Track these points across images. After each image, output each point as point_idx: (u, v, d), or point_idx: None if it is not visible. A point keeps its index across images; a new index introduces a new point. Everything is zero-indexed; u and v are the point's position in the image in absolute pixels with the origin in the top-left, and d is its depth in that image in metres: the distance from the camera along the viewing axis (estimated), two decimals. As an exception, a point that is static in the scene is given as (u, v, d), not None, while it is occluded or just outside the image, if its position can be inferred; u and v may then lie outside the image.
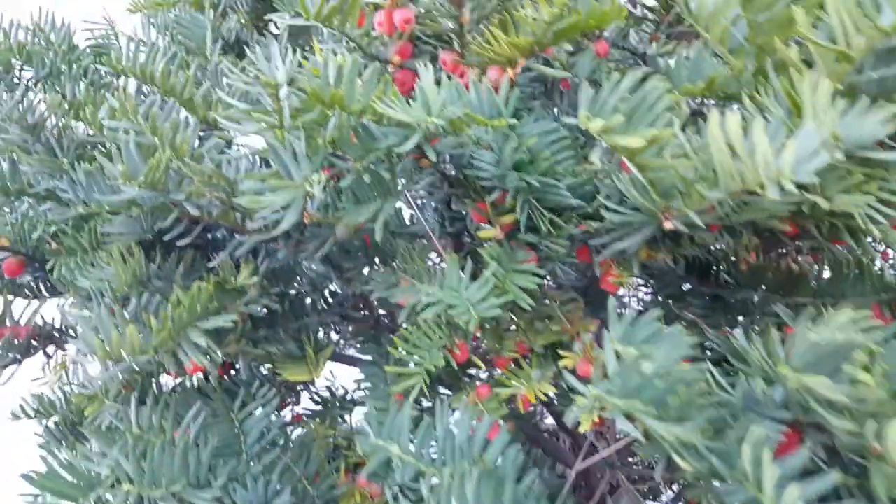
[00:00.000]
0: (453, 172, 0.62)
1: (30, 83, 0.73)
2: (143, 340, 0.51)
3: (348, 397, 0.88)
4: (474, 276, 0.57)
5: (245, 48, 0.94)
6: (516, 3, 0.54)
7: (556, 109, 0.75)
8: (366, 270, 0.67)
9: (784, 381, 0.39)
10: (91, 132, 0.61)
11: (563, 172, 0.57)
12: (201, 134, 0.63)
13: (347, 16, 0.52)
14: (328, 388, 0.88)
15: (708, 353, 0.62)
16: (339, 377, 1.12)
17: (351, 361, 0.89)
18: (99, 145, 0.64)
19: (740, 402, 0.43)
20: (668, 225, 0.45)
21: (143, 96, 0.77)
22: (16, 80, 0.73)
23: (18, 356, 0.69)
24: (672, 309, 0.71)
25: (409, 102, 0.51)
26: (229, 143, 0.72)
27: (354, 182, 0.51)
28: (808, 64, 0.42)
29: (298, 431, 0.84)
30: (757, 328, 0.60)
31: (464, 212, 0.69)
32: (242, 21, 1.03)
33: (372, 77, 0.47)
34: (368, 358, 0.74)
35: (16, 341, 0.68)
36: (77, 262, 0.59)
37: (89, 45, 0.83)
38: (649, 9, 0.72)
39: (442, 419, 0.48)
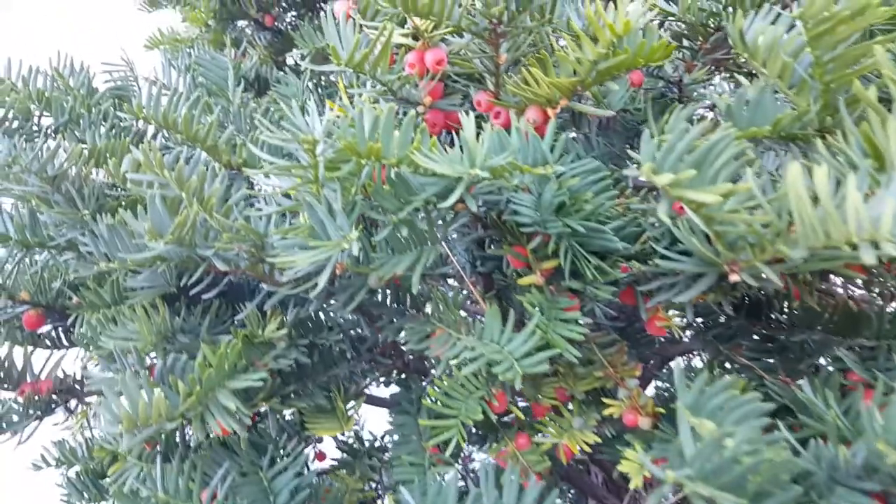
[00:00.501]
0: (486, 213, 0.59)
1: (49, 130, 0.71)
2: (169, 406, 0.48)
3: (377, 443, 0.84)
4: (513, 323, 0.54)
5: (266, 85, 0.92)
6: (554, 41, 0.51)
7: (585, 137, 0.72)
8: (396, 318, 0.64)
9: (879, 455, 0.35)
10: (112, 180, 0.59)
11: (607, 214, 0.54)
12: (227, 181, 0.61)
13: (379, 61, 0.50)
14: (356, 434, 0.85)
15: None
16: (366, 416, 1.08)
17: (379, 402, 0.86)
18: (121, 195, 0.62)
19: (823, 472, 0.39)
20: (734, 277, 0.42)
21: (163, 138, 0.75)
22: (35, 128, 0.71)
23: (39, 412, 0.66)
24: (721, 350, 0.67)
25: (445, 148, 0.48)
26: (252, 185, 0.70)
27: (390, 234, 0.48)
28: (886, 102, 0.39)
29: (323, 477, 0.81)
30: (820, 375, 0.57)
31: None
32: (261, 56, 1.01)
33: (408, 126, 0.44)
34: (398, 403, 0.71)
35: (36, 397, 0.66)
36: (99, 318, 0.57)
37: (109, 87, 0.82)
38: (686, 36, 0.70)
39: (488, 492, 0.45)
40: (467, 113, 0.60)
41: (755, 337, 0.66)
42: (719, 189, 0.34)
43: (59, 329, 0.75)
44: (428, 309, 0.66)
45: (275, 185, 0.48)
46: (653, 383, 1.03)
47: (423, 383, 0.74)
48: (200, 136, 0.62)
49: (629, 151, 0.52)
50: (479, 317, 0.70)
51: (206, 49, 0.87)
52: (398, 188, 0.47)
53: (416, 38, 0.55)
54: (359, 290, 0.56)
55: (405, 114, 0.63)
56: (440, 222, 0.50)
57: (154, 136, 0.75)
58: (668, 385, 0.97)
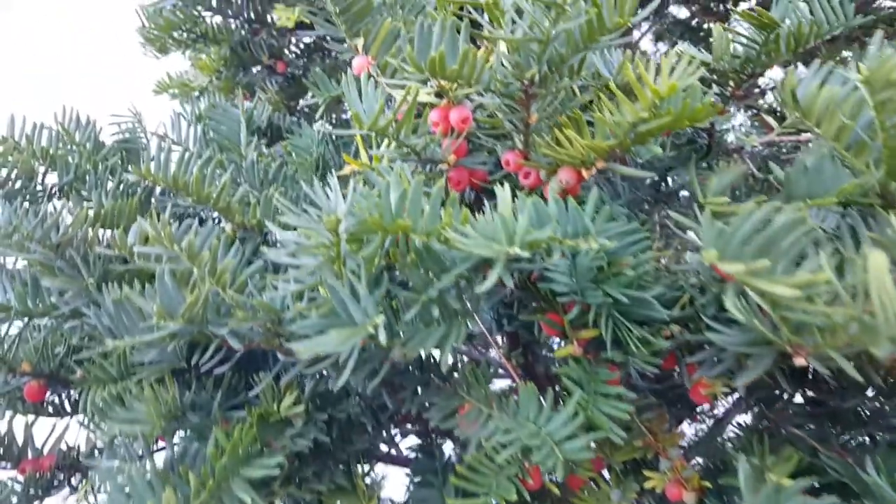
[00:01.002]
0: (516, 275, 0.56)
1: (54, 189, 0.69)
2: (180, 502, 0.44)
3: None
4: (549, 397, 0.50)
5: (279, 133, 0.90)
6: (590, 100, 0.48)
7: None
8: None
9: None
10: (118, 251, 0.55)
11: (649, 279, 0.51)
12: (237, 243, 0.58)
13: (403, 125, 0.47)
14: None
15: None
16: (382, 472, 1.03)
17: (398, 461, 0.81)
18: (129, 263, 0.58)
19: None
20: (799, 361, 0.38)
21: (171, 195, 0.72)
22: (39, 188, 0.68)
23: (41, 492, 0.62)
24: (766, 415, 0.63)
25: (473, 210, 0.45)
26: (266, 240, 0.67)
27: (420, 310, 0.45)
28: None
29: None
30: (879, 449, 0.52)
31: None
32: (273, 102, 0.99)
33: (437, 198, 0.41)
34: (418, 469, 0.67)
35: (38, 475, 0.62)
36: (104, 396, 0.53)
37: (116, 139, 0.79)
38: (716, 82, 0.67)
39: None
40: (493, 175, 0.57)
41: (806, 404, 0.61)
42: (796, 281, 0.30)
43: (63, 395, 0.72)
44: (454, 373, 0.63)
45: (294, 242, 0.45)
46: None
47: (448, 451, 0.70)
48: (212, 197, 0.60)
49: (674, 214, 0.49)
50: (509, 384, 0.67)
51: (218, 97, 0.84)
52: (426, 262, 0.44)
53: (440, 95, 0.52)
54: (381, 364, 0.52)
55: (430, 170, 0.60)
56: (472, 300, 0.46)
57: (163, 192, 0.73)
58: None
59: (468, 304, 0.46)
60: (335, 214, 0.37)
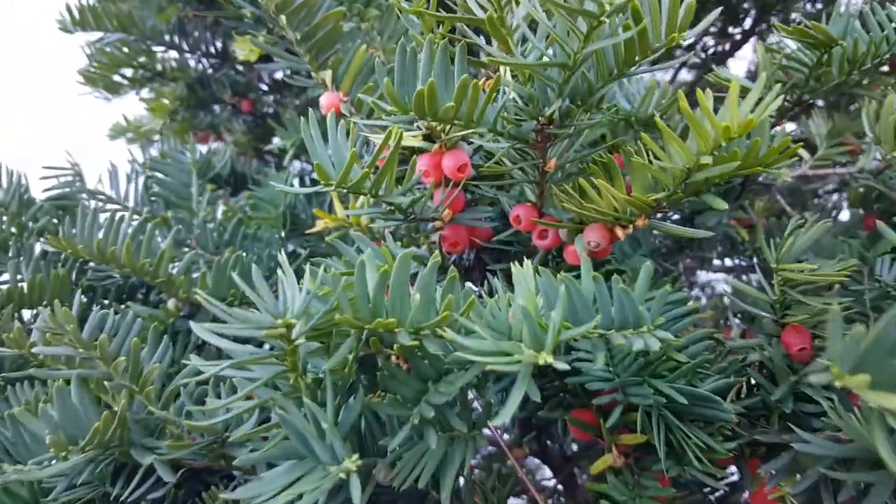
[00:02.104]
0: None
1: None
2: None
3: None
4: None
5: (244, 180, 0.79)
6: (627, 143, 0.38)
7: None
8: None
9: None
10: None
11: (707, 367, 0.39)
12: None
13: (382, 178, 0.35)
14: None
15: None
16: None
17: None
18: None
19: None
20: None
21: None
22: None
23: None
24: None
25: (474, 279, 0.33)
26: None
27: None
28: None
29: None
30: None
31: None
32: (239, 144, 0.88)
33: (430, 278, 0.30)
34: None
35: None
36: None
37: (50, 195, 0.68)
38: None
39: None
40: (498, 233, 0.45)
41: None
42: None
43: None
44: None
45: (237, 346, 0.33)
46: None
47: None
48: (148, 268, 0.48)
49: (734, 282, 0.38)
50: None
51: (171, 142, 0.73)
52: (418, 366, 0.32)
53: (429, 138, 0.42)
54: (363, 486, 0.40)
55: (419, 230, 0.49)
56: (480, 418, 0.35)
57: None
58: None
59: (477, 417, 0.34)
60: (284, 318, 0.25)
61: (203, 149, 1.08)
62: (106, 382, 0.37)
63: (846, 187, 1.13)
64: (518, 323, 0.29)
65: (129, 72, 0.84)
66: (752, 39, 1.12)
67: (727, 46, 0.96)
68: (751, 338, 0.62)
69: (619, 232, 0.38)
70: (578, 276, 0.35)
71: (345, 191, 0.36)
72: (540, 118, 0.33)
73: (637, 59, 0.31)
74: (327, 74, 0.45)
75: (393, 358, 0.36)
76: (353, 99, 0.46)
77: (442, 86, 0.31)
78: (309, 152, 0.35)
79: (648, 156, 0.35)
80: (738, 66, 1.39)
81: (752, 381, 0.45)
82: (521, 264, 0.36)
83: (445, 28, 0.44)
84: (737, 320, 0.75)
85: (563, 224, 0.40)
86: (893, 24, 0.50)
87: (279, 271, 0.30)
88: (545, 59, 0.30)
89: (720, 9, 0.31)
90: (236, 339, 0.30)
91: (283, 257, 0.29)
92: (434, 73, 0.31)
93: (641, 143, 0.36)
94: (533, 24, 0.31)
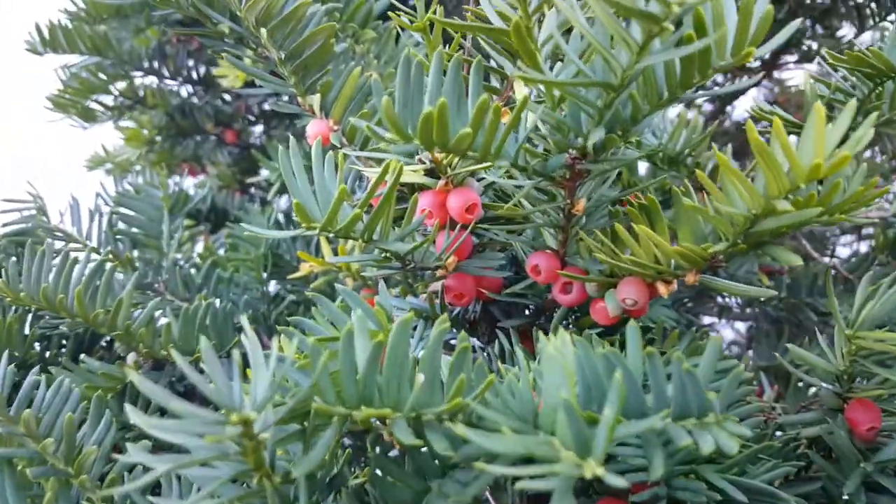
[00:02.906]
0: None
1: None
2: None
3: None
4: None
5: (225, 215, 0.72)
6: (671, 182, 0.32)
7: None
8: None
9: None
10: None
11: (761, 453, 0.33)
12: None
13: (376, 222, 0.29)
14: None
15: None
16: None
17: None
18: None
19: None
20: None
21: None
22: None
23: None
24: None
25: (479, 334, 0.27)
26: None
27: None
28: None
29: None
30: None
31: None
32: (221, 177, 0.82)
33: (435, 352, 0.23)
34: None
35: None
36: None
37: (9, 231, 0.61)
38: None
39: None
40: (508, 285, 0.39)
41: None
42: None
43: None
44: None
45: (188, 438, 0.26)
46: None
47: None
48: (103, 319, 0.41)
49: (794, 349, 0.31)
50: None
51: (148, 174, 0.67)
52: (420, 461, 0.25)
53: (433, 173, 0.36)
54: None
55: (419, 279, 0.43)
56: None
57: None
58: None
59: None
60: (241, 413, 0.19)
61: (191, 182, 1.02)
62: (28, 470, 0.30)
63: (856, 231, 1.08)
64: (549, 412, 0.22)
65: (108, 99, 0.79)
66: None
67: (744, 78, 0.92)
68: (782, 398, 0.56)
69: (662, 288, 0.32)
70: (610, 342, 0.29)
71: (331, 234, 0.30)
72: (572, 150, 0.27)
73: (696, 80, 0.25)
74: (315, 99, 0.39)
75: (386, 435, 0.29)
76: (344, 128, 0.40)
77: (454, 108, 0.25)
78: (289, 189, 0.29)
79: (699, 198, 0.29)
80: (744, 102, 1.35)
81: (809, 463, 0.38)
82: (538, 320, 0.29)
83: (453, 48, 0.38)
84: (763, 378, 0.68)
85: (591, 278, 0.33)
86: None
87: (243, 336, 0.24)
88: (584, 78, 0.24)
89: (799, 20, 0.25)
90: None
91: (245, 322, 0.23)
92: (444, 92, 0.25)
93: (688, 183, 0.30)
94: (565, 36, 0.25)
